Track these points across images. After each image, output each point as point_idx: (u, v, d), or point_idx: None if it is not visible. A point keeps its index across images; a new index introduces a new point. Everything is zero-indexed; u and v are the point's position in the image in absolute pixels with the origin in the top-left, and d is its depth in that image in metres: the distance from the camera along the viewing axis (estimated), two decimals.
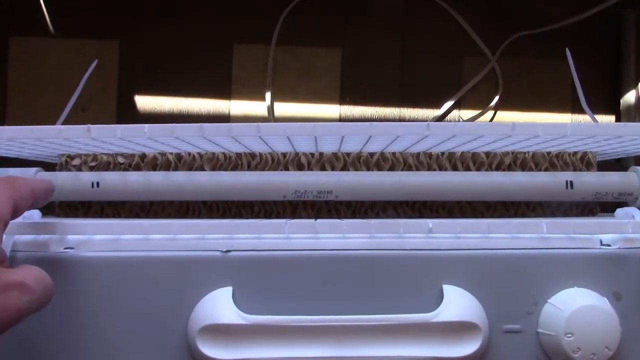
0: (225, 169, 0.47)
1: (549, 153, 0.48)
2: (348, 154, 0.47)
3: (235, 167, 0.47)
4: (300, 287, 0.36)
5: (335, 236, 0.37)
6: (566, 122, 0.37)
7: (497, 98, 0.84)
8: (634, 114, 0.83)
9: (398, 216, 0.47)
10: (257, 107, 0.85)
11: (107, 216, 0.47)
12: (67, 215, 0.47)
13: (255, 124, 0.36)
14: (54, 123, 0.83)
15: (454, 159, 0.47)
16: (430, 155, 0.47)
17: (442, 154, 0.47)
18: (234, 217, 0.47)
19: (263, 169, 0.47)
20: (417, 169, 0.47)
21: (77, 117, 0.82)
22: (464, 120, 0.84)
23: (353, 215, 0.47)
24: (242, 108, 0.85)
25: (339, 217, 0.47)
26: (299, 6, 0.84)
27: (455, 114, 0.86)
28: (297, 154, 0.47)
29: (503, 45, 0.85)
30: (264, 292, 0.36)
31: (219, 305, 0.34)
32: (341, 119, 0.85)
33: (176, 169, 0.47)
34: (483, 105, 0.86)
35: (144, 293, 0.35)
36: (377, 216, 0.47)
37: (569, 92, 0.87)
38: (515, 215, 0.48)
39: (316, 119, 0.85)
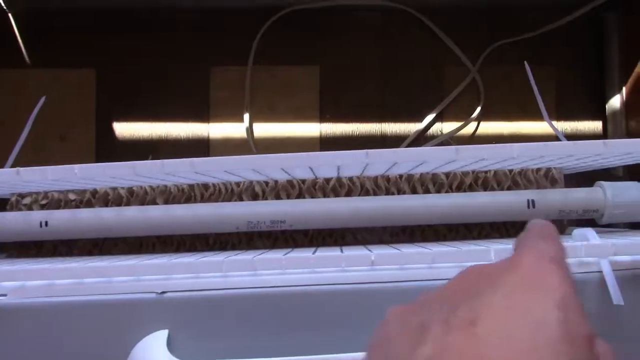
0: (179, 201, 0.46)
1: (511, 171, 0.46)
2: (303, 181, 0.46)
3: (189, 199, 0.46)
4: (238, 327, 0.34)
5: (275, 272, 0.35)
6: (512, 144, 0.35)
7: (479, 109, 0.83)
8: (620, 119, 0.81)
9: (357, 242, 0.46)
10: (236, 129, 0.84)
11: (60, 254, 0.46)
12: (19, 254, 0.46)
13: (189, 159, 0.35)
14: (27, 151, 0.83)
15: (413, 182, 0.46)
16: (388, 179, 0.46)
17: (400, 176, 0.46)
18: (189, 249, 0.46)
19: (216, 200, 0.46)
20: (375, 194, 0.46)
21: (56, 146, 0.82)
22: (449, 139, 0.82)
23: (310, 243, 0.46)
24: (221, 130, 0.84)
25: (295, 245, 0.46)
26: (275, 25, 0.83)
27: (438, 126, 0.84)
28: (250, 182, 0.46)
29: (484, 55, 0.84)
30: (201, 334, 0.34)
31: (152, 352, 0.33)
32: (322, 137, 0.84)
33: (128, 203, 0.46)
34: (466, 117, 0.84)
35: (78, 340, 0.34)
36: (335, 243, 0.46)
37: (552, 100, 0.85)
38: (479, 236, 0.46)
39: (296, 138, 0.84)
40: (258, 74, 0.85)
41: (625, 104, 0.80)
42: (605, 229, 0.49)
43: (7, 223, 0.44)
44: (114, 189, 0.46)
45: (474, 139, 0.84)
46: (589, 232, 0.37)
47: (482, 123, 0.85)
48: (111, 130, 0.84)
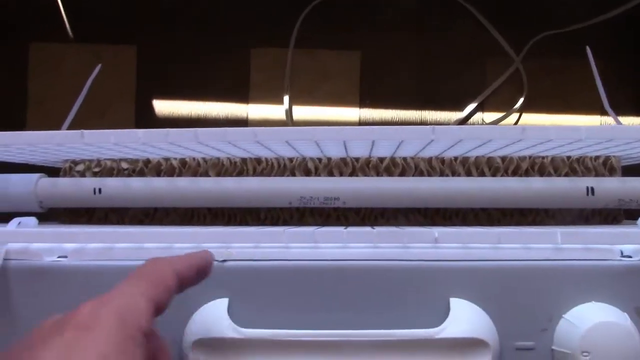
0: (230, 175, 0.45)
1: (568, 158, 0.45)
2: (357, 159, 0.45)
3: (241, 173, 0.45)
4: (299, 299, 0.34)
5: (336, 246, 0.35)
6: (580, 125, 0.34)
7: (522, 100, 0.82)
8: None
9: (409, 223, 0.45)
10: (275, 111, 0.84)
11: (111, 222, 0.46)
12: (71, 221, 0.46)
13: (251, 128, 0.35)
14: (72, 128, 0.83)
15: (468, 164, 0.45)
16: (442, 161, 0.45)
17: (455, 158, 0.45)
18: (240, 223, 0.46)
19: (269, 175, 0.45)
20: (429, 175, 0.45)
21: (95, 123, 0.82)
22: (484, 123, 0.81)
23: (362, 222, 0.45)
24: (260, 112, 0.84)
25: (347, 224, 0.45)
26: (316, 9, 0.83)
27: (478, 116, 0.83)
28: (304, 159, 0.45)
29: (528, 46, 0.83)
30: (261, 303, 0.34)
31: (214, 318, 0.33)
32: (361, 123, 0.83)
33: (180, 174, 0.46)
34: (507, 108, 0.83)
35: None
36: (388, 223, 0.45)
37: (595, 92, 0.83)
38: (533, 222, 0.45)
39: (335, 123, 0.83)
40: (298, 57, 0.85)
41: None
42: None
43: (61, 189, 0.44)
44: (167, 159, 0.45)
45: None
46: None
47: (523, 115, 0.84)
48: (150, 108, 0.84)
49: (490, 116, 0.83)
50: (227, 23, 0.83)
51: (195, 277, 0.29)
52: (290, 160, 0.45)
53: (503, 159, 0.45)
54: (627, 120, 0.83)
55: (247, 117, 0.83)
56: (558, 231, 0.34)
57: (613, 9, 0.80)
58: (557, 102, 0.83)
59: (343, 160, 0.45)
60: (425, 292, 0.34)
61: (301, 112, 0.83)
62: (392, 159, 0.45)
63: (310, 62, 0.84)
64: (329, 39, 0.84)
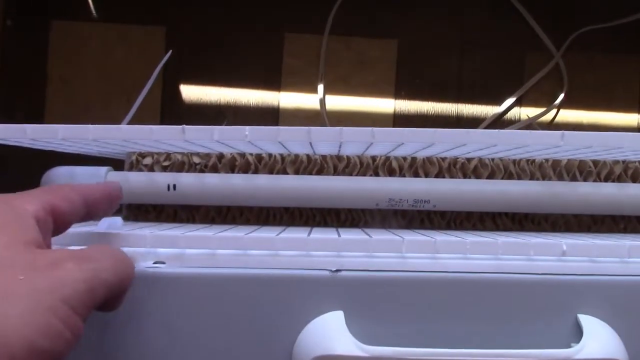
0: (310, 173, 0.43)
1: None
2: (443, 159, 0.43)
3: (321, 171, 0.43)
4: (418, 313, 0.32)
5: (456, 256, 0.33)
6: (622, 133, 0.32)
7: (562, 96, 0.80)
8: None
9: (497, 228, 0.43)
10: (308, 100, 0.81)
11: (181, 220, 0.43)
12: (136, 218, 0.43)
13: (337, 128, 0.32)
14: (95, 111, 0.79)
15: (559, 168, 0.43)
16: (532, 162, 0.43)
17: (547, 160, 0.43)
18: (319, 224, 0.43)
19: (351, 174, 0.43)
20: (519, 178, 0.43)
21: (122, 106, 0.79)
22: (529, 118, 0.80)
23: (448, 225, 0.43)
24: (292, 100, 0.81)
25: (432, 227, 0.43)
26: None
27: (516, 111, 0.82)
28: (387, 157, 0.43)
29: (568, 40, 0.81)
30: (377, 317, 0.32)
31: (332, 333, 0.30)
32: (395, 114, 0.81)
33: (256, 171, 0.43)
34: (546, 103, 0.82)
35: (242, 315, 0.31)
36: (474, 227, 0.43)
37: (636, 89, 0.82)
38: (625, 230, 0.44)
39: (369, 113, 0.81)
40: (333, 44, 0.82)
41: None
42: None
43: (132, 184, 0.41)
44: (242, 154, 0.43)
45: (552, 126, 0.81)
46: None
47: (561, 110, 0.82)
48: (178, 93, 0.81)
49: (527, 111, 0.81)
50: (261, 6, 0.80)
51: (105, 206, 0.30)
52: (373, 159, 0.43)
53: (595, 163, 0.43)
54: None
55: (278, 106, 0.80)
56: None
57: None
58: (597, 99, 0.82)
59: (429, 159, 0.43)
60: (552, 308, 0.32)
61: (335, 101, 0.80)
62: (481, 160, 0.43)
63: (345, 49, 0.81)
64: (366, 26, 0.82)
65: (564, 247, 0.32)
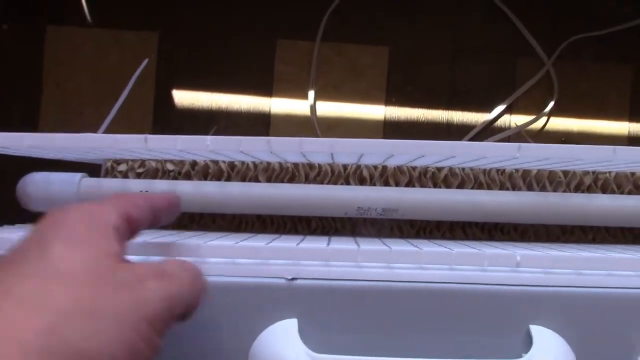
0: (281, 180, 0.43)
1: (632, 174, 0.44)
2: (413, 168, 0.44)
3: (292, 179, 0.43)
4: (372, 322, 0.32)
5: (410, 266, 0.33)
6: (610, 146, 0.33)
7: (552, 103, 0.80)
8: None
9: (467, 237, 0.44)
10: (299, 106, 0.81)
11: None
12: None
13: (298, 139, 0.33)
14: (89, 115, 0.80)
15: (529, 178, 0.43)
16: (502, 172, 0.44)
17: (516, 170, 0.43)
18: (289, 232, 0.44)
19: (322, 182, 0.43)
20: (489, 187, 0.43)
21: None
22: (517, 126, 0.80)
23: (417, 235, 0.44)
24: (283, 106, 0.81)
25: (402, 236, 0.44)
26: (345, 1, 0.81)
27: (506, 118, 0.82)
28: (359, 166, 0.44)
29: (560, 48, 0.81)
30: (332, 326, 0.32)
31: (284, 341, 0.31)
32: (386, 121, 0.81)
33: (229, 178, 0.44)
34: (536, 111, 0.82)
35: (198, 322, 0.32)
36: (444, 237, 0.44)
37: (627, 98, 0.82)
38: (594, 240, 0.44)
39: (360, 120, 0.81)
40: (325, 50, 0.83)
41: None
42: None
43: (105, 190, 0.41)
44: (215, 162, 0.43)
45: (542, 134, 0.81)
46: None
47: (552, 118, 0.82)
48: (170, 98, 0.82)
49: (518, 119, 0.81)
50: (253, 13, 0.81)
51: (164, 207, 0.30)
52: (345, 167, 0.44)
53: (565, 173, 0.43)
54: None
55: (269, 111, 0.81)
56: None
57: None
58: (587, 107, 0.82)
59: (399, 168, 0.43)
60: (504, 318, 0.32)
61: (326, 107, 0.81)
62: (451, 169, 0.43)
63: (336, 56, 0.82)
64: (358, 33, 0.82)
65: (518, 258, 0.32)
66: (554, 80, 0.81)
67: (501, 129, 0.81)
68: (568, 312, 0.32)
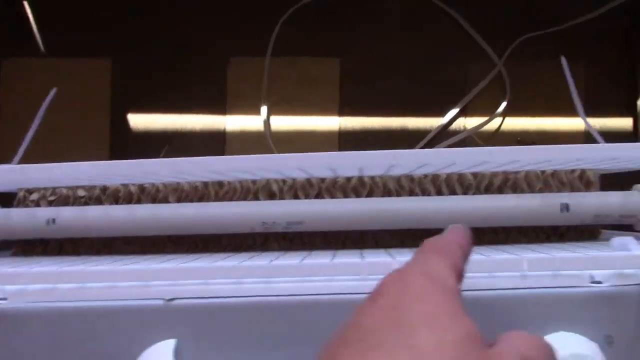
0: (191, 200, 0.44)
1: (543, 172, 0.43)
2: (323, 180, 0.44)
3: (202, 198, 0.44)
4: (252, 338, 0.32)
5: (293, 279, 0.33)
6: (549, 146, 0.32)
7: (504, 104, 0.80)
8: None
9: (378, 246, 0.44)
10: (253, 122, 0.82)
11: (67, 253, 0.44)
12: (24, 252, 0.45)
13: (204, 158, 0.33)
14: (46, 145, 0.81)
15: (439, 182, 0.43)
16: (412, 179, 0.43)
17: (425, 176, 0.43)
18: (201, 250, 0.44)
19: (231, 199, 0.44)
20: (398, 194, 0.43)
21: (71, 138, 0.80)
22: (467, 129, 0.79)
23: (328, 246, 0.44)
24: (238, 123, 0.82)
25: (313, 248, 0.44)
26: (295, 15, 0.81)
27: (461, 122, 0.81)
28: (267, 181, 0.44)
29: (510, 48, 0.81)
30: (212, 344, 0.32)
31: None
32: (341, 132, 0.81)
33: (139, 200, 0.44)
34: (490, 112, 0.81)
35: (80, 347, 0.32)
36: (355, 247, 0.44)
37: (581, 95, 0.81)
38: (506, 241, 0.43)
39: (315, 132, 0.82)
40: (277, 65, 0.83)
41: None
42: None
43: (13, 220, 0.42)
44: (125, 185, 0.44)
45: (497, 135, 0.81)
46: (630, 241, 0.34)
47: (507, 119, 0.82)
48: (126, 122, 0.82)
49: (472, 121, 0.81)
50: (204, 33, 0.82)
51: (469, 246, 0.27)
52: (254, 182, 0.44)
53: (475, 175, 0.43)
54: (618, 122, 0.81)
55: (224, 129, 0.81)
56: (525, 258, 0.32)
57: (598, 8, 0.78)
58: (542, 106, 0.81)
59: (308, 181, 0.44)
60: None
61: (280, 122, 0.81)
62: (360, 179, 0.43)
63: (289, 70, 0.82)
64: (309, 45, 0.82)
65: (395, 265, 0.32)
66: (506, 81, 0.80)
67: (456, 133, 0.81)
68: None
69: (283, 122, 0.82)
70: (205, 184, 0.44)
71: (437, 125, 0.82)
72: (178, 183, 0.44)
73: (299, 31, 0.82)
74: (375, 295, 0.22)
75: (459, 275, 0.24)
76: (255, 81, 0.83)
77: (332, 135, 0.83)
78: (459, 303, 0.21)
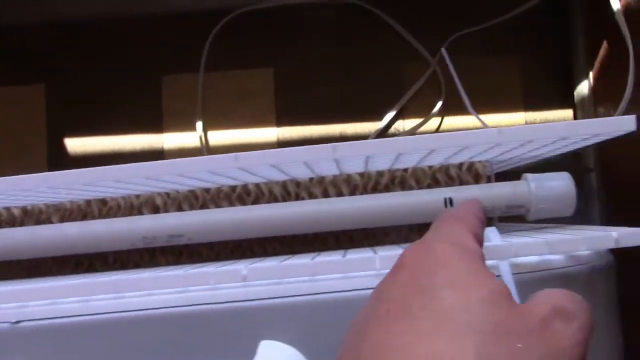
0: (75, 219, 0.43)
1: (430, 167, 0.42)
2: (207, 190, 0.43)
3: (85, 216, 0.43)
4: (103, 355, 0.31)
5: (141, 294, 0.32)
6: (433, 134, 0.32)
7: (440, 103, 0.79)
8: (589, 106, 0.76)
9: (267, 254, 0.43)
10: (191, 138, 0.81)
11: None
12: None
13: (79, 170, 0.32)
14: None
15: (325, 184, 0.42)
16: (298, 184, 0.43)
17: (311, 179, 0.42)
18: (88, 270, 0.43)
19: (115, 215, 0.43)
20: (284, 200, 0.42)
21: (9, 165, 0.80)
22: (403, 131, 0.79)
23: (217, 257, 0.43)
24: (175, 140, 0.81)
25: (201, 260, 0.43)
26: (225, 29, 0.81)
27: (400, 124, 0.81)
28: (151, 194, 0.43)
29: (444, 46, 0.80)
30: None
31: None
32: (279, 142, 0.80)
33: (22, 223, 0.43)
34: (428, 112, 0.80)
35: None
36: (244, 256, 0.43)
37: (518, 89, 0.81)
38: (398, 240, 0.42)
39: (254, 144, 0.81)
40: (211, 80, 0.82)
41: (593, 90, 0.76)
42: (538, 225, 0.45)
43: None
44: (7, 208, 0.43)
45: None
46: (491, 232, 0.33)
47: (446, 117, 0.81)
48: (63, 146, 0.81)
49: (411, 122, 0.80)
50: (136, 53, 0.81)
51: (484, 216, 0.27)
52: (137, 197, 0.43)
53: (361, 175, 0.42)
54: (558, 114, 0.80)
55: (162, 147, 0.80)
56: (377, 257, 0.31)
57: (526, 2, 0.78)
58: (480, 102, 0.80)
59: (192, 192, 0.43)
60: (235, 336, 0.31)
61: (218, 136, 0.80)
62: (245, 187, 0.42)
63: (223, 84, 0.81)
64: (241, 58, 0.82)
65: (244, 272, 0.31)
66: (441, 79, 0.80)
67: (395, 135, 0.80)
68: (302, 321, 0.31)
69: (221, 136, 0.82)
70: (88, 202, 0.43)
71: (375, 129, 0.81)
72: (61, 202, 0.43)
73: (229, 45, 0.82)
74: (396, 268, 0.22)
75: (479, 241, 0.24)
76: (190, 97, 0.82)
77: (271, 146, 0.82)
78: (483, 264, 0.21)
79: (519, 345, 0.18)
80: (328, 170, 0.39)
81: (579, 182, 0.82)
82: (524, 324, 0.19)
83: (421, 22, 0.81)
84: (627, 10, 0.61)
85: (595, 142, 0.35)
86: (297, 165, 0.33)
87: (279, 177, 0.40)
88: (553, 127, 0.31)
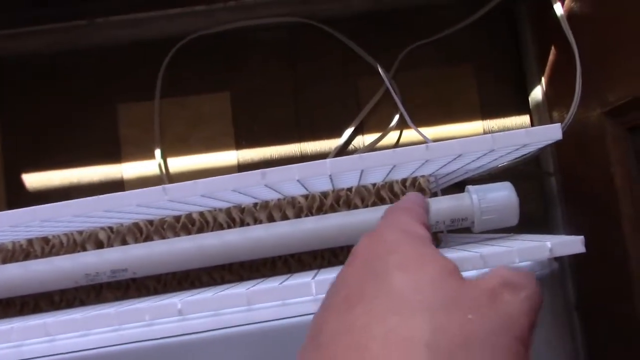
0: (17, 259, 0.42)
1: (374, 185, 0.42)
2: (151, 222, 0.42)
3: (27, 256, 0.42)
4: None
5: (76, 335, 0.31)
6: (357, 156, 0.31)
7: (397, 117, 0.79)
8: (543, 111, 0.77)
9: (215, 282, 0.42)
10: (149, 166, 0.80)
11: None
12: None
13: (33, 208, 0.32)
14: None
15: (269, 209, 0.42)
16: (242, 210, 0.42)
17: (255, 205, 0.42)
18: (34, 310, 0.42)
19: (58, 253, 0.42)
20: (229, 227, 0.42)
21: None
22: (365, 147, 0.79)
23: (165, 289, 0.42)
24: (134, 169, 0.80)
25: (148, 293, 0.42)
26: (178, 55, 0.80)
27: (359, 140, 0.81)
28: (94, 229, 0.42)
29: (397, 61, 0.81)
30: None
31: None
32: (240, 165, 0.80)
33: None
34: (387, 127, 0.81)
35: None
36: (192, 286, 0.42)
37: (475, 97, 0.81)
38: (324, 263, 0.42)
39: (213, 169, 0.80)
40: (167, 107, 0.82)
41: (546, 95, 0.76)
42: (486, 235, 0.45)
43: None
44: None
45: (399, 147, 0.80)
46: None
47: (405, 130, 0.81)
48: (21, 182, 0.80)
49: (371, 137, 0.80)
50: (88, 84, 0.80)
51: (427, 206, 0.28)
52: (80, 233, 0.42)
53: (305, 197, 0.42)
54: (516, 120, 0.81)
55: (122, 177, 0.79)
56: (312, 282, 0.31)
57: (478, 10, 0.78)
58: (437, 114, 0.80)
59: (136, 225, 0.42)
60: None
61: (178, 162, 0.80)
62: (188, 216, 0.42)
63: (180, 110, 0.81)
64: (196, 83, 0.81)
65: (179, 306, 0.31)
66: (396, 93, 0.80)
67: (355, 151, 0.80)
68: (241, 352, 0.31)
69: (180, 163, 0.81)
70: (30, 241, 0.42)
71: (335, 146, 0.81)
72: (3, 243, 0.42)
73: (184, 70, 0.82)
74: (350, 258, 0.23)
75: (427, 228, 0.24)
76: (147, 125, 0.82)
77: (232, 169, 0.82)
78: (432, 247, 0.22)
79: (470, 317, 0.19)
80: (269, 195, 0.39)
81: (540, 187, 0.82)
82: (473, 297, 0.20)
83: (374, 38, 0.81)
84: (570, 15, 0.61)
85: (529, 151, 0.36)
86: (228, 193, 0.33)
87: (219, 205, 0.40)
88: (479, 140, 0.31)
